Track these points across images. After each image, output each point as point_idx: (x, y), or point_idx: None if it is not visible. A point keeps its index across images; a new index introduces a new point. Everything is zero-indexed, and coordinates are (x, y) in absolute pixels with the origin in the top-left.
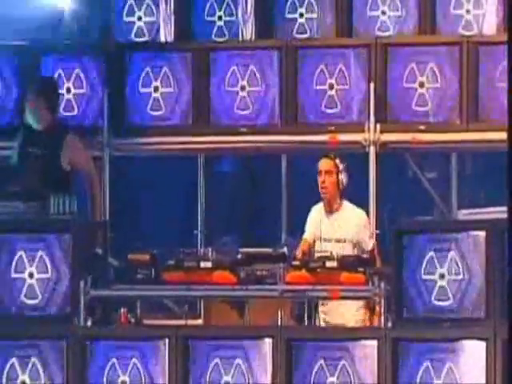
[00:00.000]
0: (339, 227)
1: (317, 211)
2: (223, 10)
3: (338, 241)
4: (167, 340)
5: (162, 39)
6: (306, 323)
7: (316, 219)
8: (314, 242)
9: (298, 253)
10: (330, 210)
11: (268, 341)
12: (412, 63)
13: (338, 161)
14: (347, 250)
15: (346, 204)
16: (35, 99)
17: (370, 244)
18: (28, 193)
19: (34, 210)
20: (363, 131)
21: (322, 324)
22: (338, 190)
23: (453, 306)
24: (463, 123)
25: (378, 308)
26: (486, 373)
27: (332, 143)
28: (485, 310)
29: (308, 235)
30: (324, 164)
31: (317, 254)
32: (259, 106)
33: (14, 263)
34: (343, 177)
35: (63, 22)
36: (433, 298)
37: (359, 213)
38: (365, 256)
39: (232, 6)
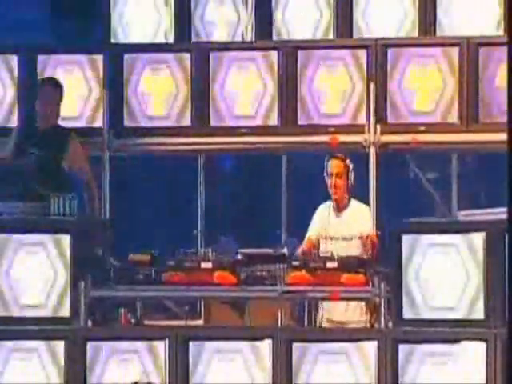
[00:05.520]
0: (347, 225)
1: (325, 210)
2: (223, 10)
3: (345, 239)
4: (167, 340)
5: (163, 40)
6: (306, 324)
7: (324, 218)
8: (319, 241)
9: (300, 251)
10: (338, 209)
11: (268, 341)
12: (412, 64)
13: (348, 161)
14: (353, 247)
15: (353, 202)
16: (48, 100)
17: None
18: (29, 193)
19: (35, 210)
20: (363, 132)
21: (324, 322)
22: (348, 189)
23: (453, 307)
24: (463, 124)
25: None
26: (487, 374)
27: (332, 144)
28: (485, 310)
29: (313, 233)
30: (335, 166)
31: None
32: (259, 106)
33: (14, 263)
34: (352, 176)
35: (64, 22)
36: (433, 299)
37: (363, 207)
38: (365, 257)
39: (232, 6)
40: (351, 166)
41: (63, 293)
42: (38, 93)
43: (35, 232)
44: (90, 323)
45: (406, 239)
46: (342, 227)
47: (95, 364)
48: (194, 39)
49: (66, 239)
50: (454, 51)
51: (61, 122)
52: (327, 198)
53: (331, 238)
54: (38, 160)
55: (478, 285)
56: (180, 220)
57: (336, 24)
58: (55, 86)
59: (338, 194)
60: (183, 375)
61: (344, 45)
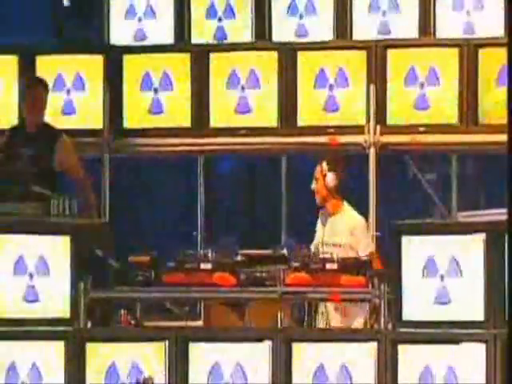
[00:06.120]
0: (337, 231)
1: (321, 215)
2: (223, 10)
3: (335, 245)
4: (167, 342)
5: (162, 40)
6: (306, 325)
7: (320, 224)
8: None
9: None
10: (329, 213)
11: (268, 343)
12: (412, 65)
13: (324, 164)
14: (343, 254)
15: (346, 207)
16: (36, 100)
17: (366, 250)
18: (27, 194)
19: (35, 211)
20: (363, 133)
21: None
22: (328, 191)
23: (452, 308)
24: (463, 125)
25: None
26: (486, 375)
27: (332, 145)
28: (485, 312)
29: (316, 239)
30: (315, 172)
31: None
32: (259, 107)
33: (13, 264)
34: (329, 178)
35: (63, 22)
36: (432, 300)
37: (355, 218)
38: (365, 258)
39: (232, 7)
40: (326, 168)
41: (63, 294)
42: (25, 93)
43: (35, 233)
44: (89, 324)
45: (406, 240)
46: (333, 232)
47: (95, 365)
48: (193, 40)
49: (65, 240)
50: (454, 52)
51: (61, 123)
52: None
53: (325, 243)
54: (28, 160)
55: (477, 286)
56: (180, 221)
57: (336, 25)
58: (41, 85)
59: (318, 199)
60: (183, 377)
61: (344, 46)
